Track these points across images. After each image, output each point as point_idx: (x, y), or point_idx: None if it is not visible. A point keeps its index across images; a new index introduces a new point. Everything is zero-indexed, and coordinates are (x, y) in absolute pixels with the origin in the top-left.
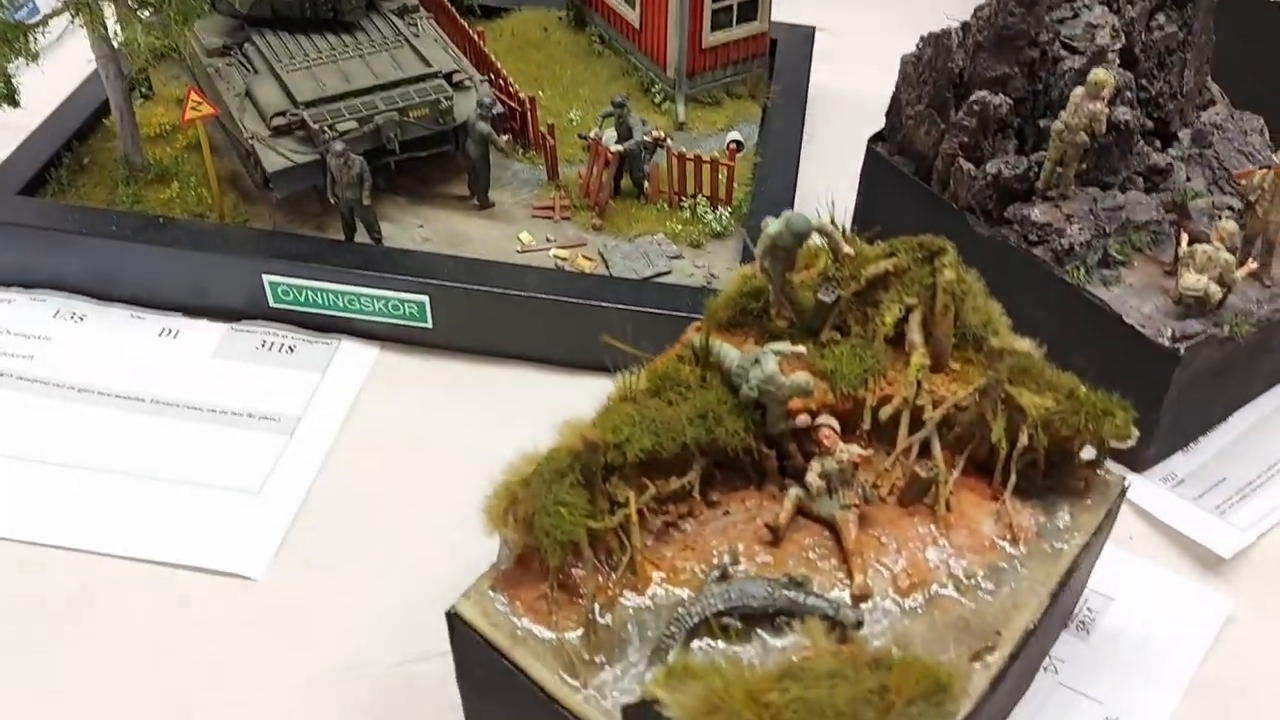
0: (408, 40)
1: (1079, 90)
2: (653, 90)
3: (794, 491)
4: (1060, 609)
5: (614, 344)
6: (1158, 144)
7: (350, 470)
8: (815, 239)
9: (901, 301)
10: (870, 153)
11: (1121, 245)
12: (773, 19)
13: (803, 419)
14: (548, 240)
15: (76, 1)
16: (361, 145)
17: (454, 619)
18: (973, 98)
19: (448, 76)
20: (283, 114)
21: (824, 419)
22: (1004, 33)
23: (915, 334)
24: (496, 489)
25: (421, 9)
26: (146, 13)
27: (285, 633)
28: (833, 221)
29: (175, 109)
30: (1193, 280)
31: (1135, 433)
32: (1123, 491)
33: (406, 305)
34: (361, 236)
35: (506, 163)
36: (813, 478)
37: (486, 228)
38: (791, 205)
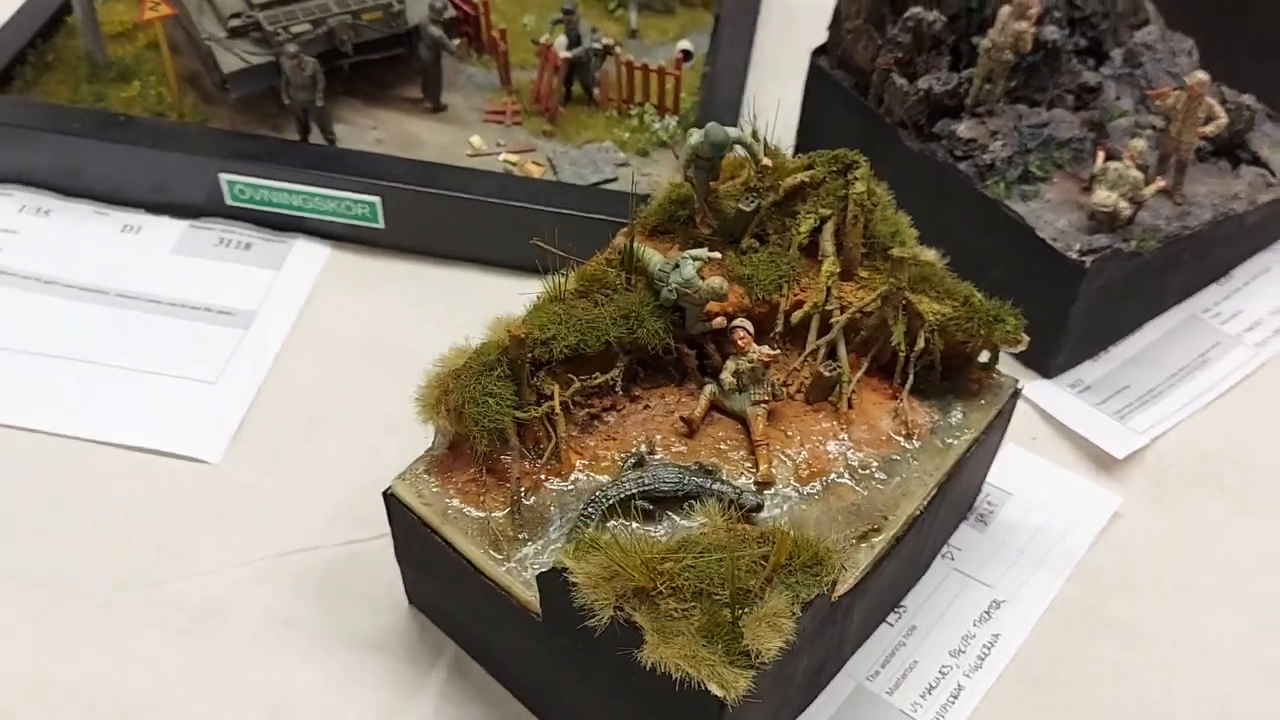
0: None
1: (1005, 9)
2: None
3: (709, 388)
4: (952, 499)
5: (543, 247)
6: (1090, 62)
7: (303, 363)
8: (739, 150)
9: (817, 212)
10: (813, 66)
11: (1042, 162)
12: None
13: (719, 321)
14: (498, 145)
15: None
16: (315, 47)
17: (390, 499)
18: (906, 14)
19: None
20: (238, 15)
21: (739, 321)
22: None
23: (828, 243)
24: (430, 380)
25: None
26: None
27: (240, 513)
28: (755, 134)
29: (137, 7)
30: (1103, 196)
31: (1025, 338)
32: (1015, 393)
33: (358, 206)
34: (316, 138)
35: (461, 66)
36: (726, 375)
37: (438, 131)
38: (737, 115)
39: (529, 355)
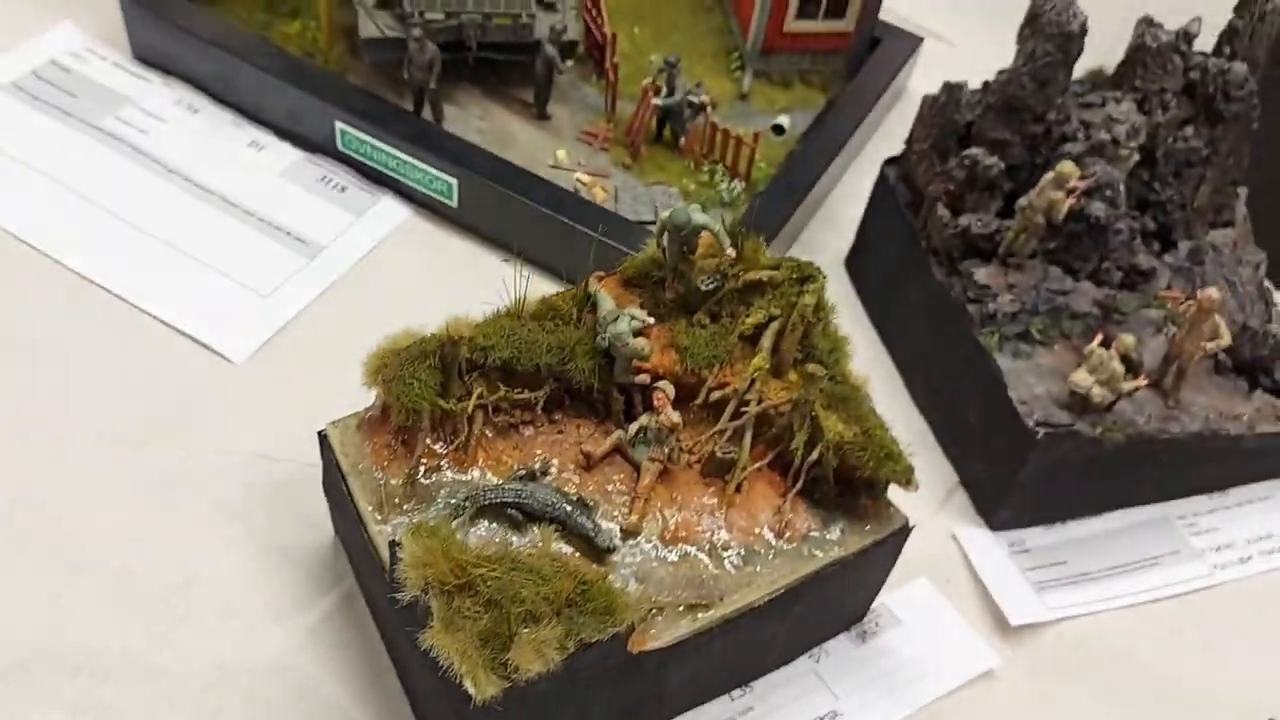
0: None
1: (1048, 175)
2: (732, 55)
3: (618, 433)
4: (815, 607)
5: (512, 264)
6: (1157, 246)
7: (346, 302)
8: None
9: (768, 309)
10: (882, 172)
11: (1046, 327)
12: (900, 18)
13: (643, 378)
14: (579, 163)
15: None
16: (444, 36)
17: (322, 438)
18: (965, 152)
19: None
20: None
21: (661, 384)
22: (1011, 101)
23: (767, 340)
24: (376, 350)
25: None
26: None
27: (239, 411)
28: (736, 225)
29: None
30: (1080, 377)
31: (914, 483)
32: (904, 529)
33: (439, 182)
34: (428, 114)
35: (579, 84)
36: (635, 426)
37: (535, 136)
38: (803, 198)
39: (465, 356)
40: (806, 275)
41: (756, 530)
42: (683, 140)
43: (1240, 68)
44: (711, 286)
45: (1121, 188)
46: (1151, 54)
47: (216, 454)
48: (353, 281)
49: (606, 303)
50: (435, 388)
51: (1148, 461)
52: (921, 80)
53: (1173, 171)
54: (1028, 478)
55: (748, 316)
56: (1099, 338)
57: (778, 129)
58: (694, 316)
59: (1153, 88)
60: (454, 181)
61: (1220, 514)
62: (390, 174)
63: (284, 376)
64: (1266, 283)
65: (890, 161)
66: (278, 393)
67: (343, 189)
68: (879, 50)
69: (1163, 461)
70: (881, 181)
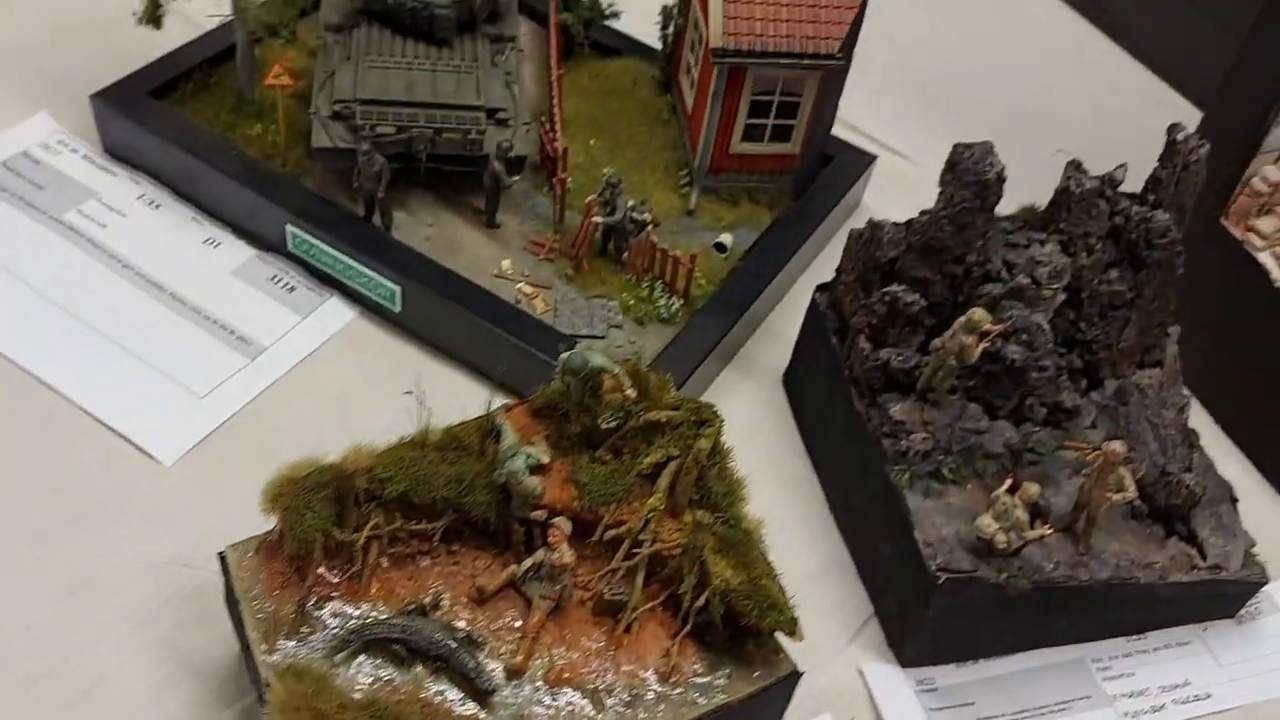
0: (481, 68)
1: (961, 319)
2: (682, 171)
3: (513, 568)
4: None
5: (413, 396)
6: (1084, 384)
7: (282, 406)
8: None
9: (666, 450)
10: (813, 298)
11: (958, 466)
12: (860, 133)
13: (539, 514)
14: (523, 274)
15: None
16: (395, 148)
17: (222, 558)
18: (886, 289)
19: (492, 112)
20: (343, 102)
21: (557, 520)
22: (931, 242)
23: (664, 480)
24: (275, 476)
25: (519, 40)
26: None
27: (164, 516)
28: (641, 365)
29: (303, 59)
30: (984, 523)
31: (800, 634)
32: (792, 676)
33: (383, 288)
34: (378, 220)
35: (532, 194)
36: (528, 563)
37: (482, 244)
38: (740, 316)
39: (363, 487)
40: (704, 419)
41: (642, 674)
42: (625, 255)
43: (1162, 217)
44: (612, 424)
45: (1046, 327)
46: (1075, 199)
47: (134, 559)
48: (292, 384)
49: (508, 436)
50: (330, 518)
51: (1057, 606)
52: (877, 196)
53: (1098, 312)
54: (933, 618)
55: (647, 456)
56: (1007, 483)
57: (719, 247)
58: (596, 453)
59: (1077, 231)
60: (397, 288)
61: (1137, 658)
62: (338, 276)
63: (212, 481)
64: (1191, 425)
65: (822, 288)
66: (204, 498)
67: (291, 289)
68: (830, 167)
69: (1073, 606)
70: (813, 306)
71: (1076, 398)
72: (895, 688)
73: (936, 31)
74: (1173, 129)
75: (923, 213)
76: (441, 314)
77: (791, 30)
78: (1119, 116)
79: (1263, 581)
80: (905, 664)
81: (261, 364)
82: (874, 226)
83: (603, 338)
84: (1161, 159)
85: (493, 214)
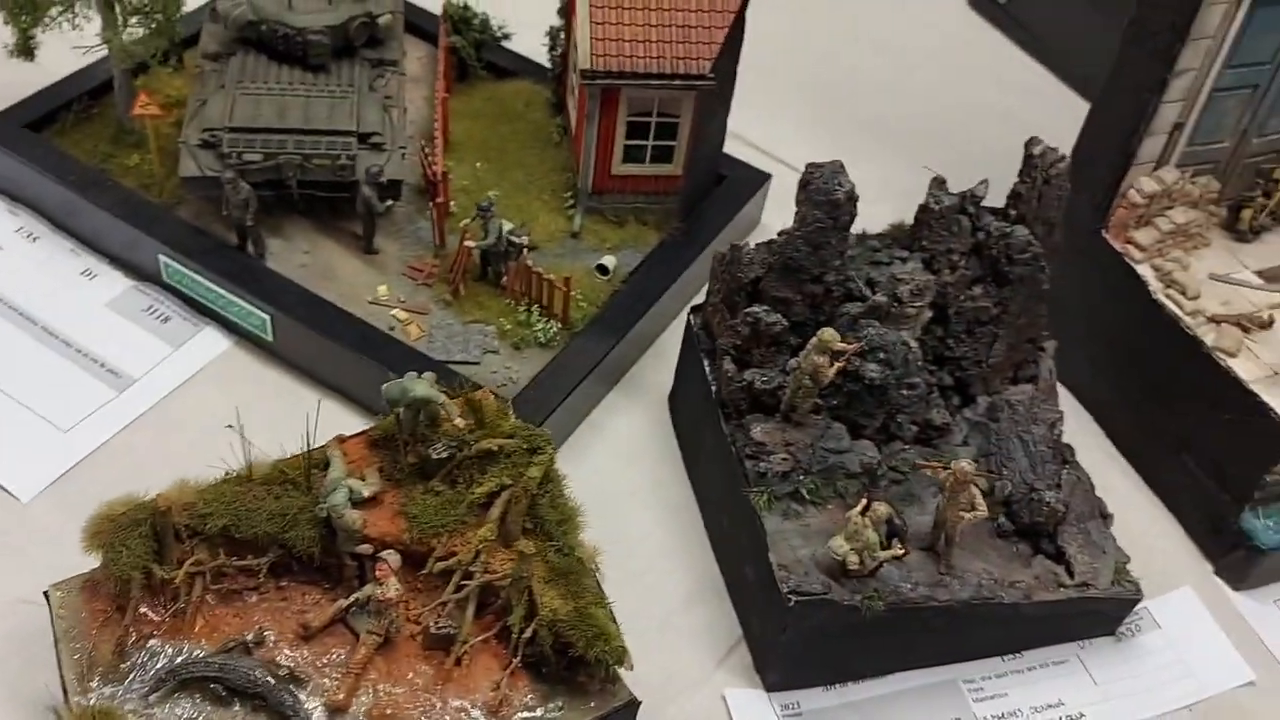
0: (357, 93)
1: (813, 340)
2: (568, 193)
3: (340, 602)
4: None
5: (235, 432)
6: (957, 400)
7: (147, 439)
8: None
9: (499, 479)
10: (688, 319)
11: (817, 487)
12: (759, 150)
13: (365, 549)
14: (399, 300)
15: (62, 2)
16: (263, 175)
17: (47, 595)
18: (746, 311)
19: (365, 137)
20: (211, 130)
21: (385, 554)
22: (789, 262)
23: (496, 510)
24: (96, 514)
25: (401, 65)
26: (133, 20)
27: (12, 551)
28: (477, 398)
29: (188, 87)
30: (836, 544)
31: (629, 663)
32: (630, 705)
33: (253, 317)
34: (252, 248)
35: (416, 219)
36: (353, 597)
37: (359, 270)
38: (621, 338)
39: (184, 523)
40: (536, 446)
41: (471, 709)
42: (504, 280)
43: (1021, 232)
44: (443, 455)
45: (911, 344)
46: (936, 216)
47: None
48: (159, 416)
49: (336, 469)
50: (148, 555)
51: (921, 627)
52: (780, 213)
53: (965, 329)
54: (789, 641)
55: (480, 485)
56: (862, 504)
57: (601, 269)
58: (429, 483)
59: (939, 248)
60: (267, 317)
61: (1011, 678)
62: (212, 306)
63: (71, 517)
64: (1063, 439)
65: (695, 309)
66: (59, 535)
67: (166, 319)
68: (723, 187)
69: (937, 627)
70: (688, 328)
71: (946, 415)
72: (758, 713)
73: (847, 46)
74: (1030, 143)
75: (780, 233)
76: (312, 342)
77: (661, 51)
78: (1032, 129)
79: (1135, 599)
80: (770, 688)
81: (130, 396)
82: (734, 248)
83: (477, 363)
84: (1021, 174)
85: (370, 240)
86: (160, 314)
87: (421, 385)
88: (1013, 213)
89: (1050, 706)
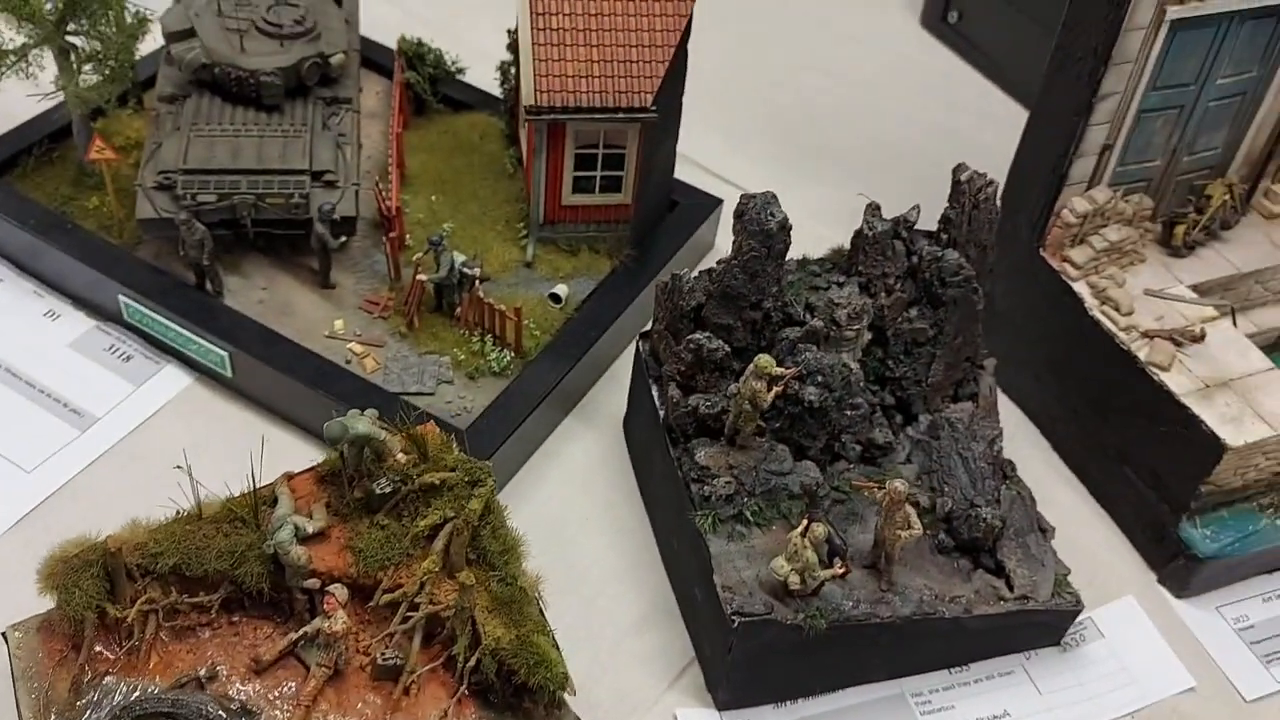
0: (311, 132)
1: (750, 366)
2: (522, 224)
3: (291, 636)
4: None
5: (184, 472)
6: (900, 419)
7: (111, 477)
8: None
9: (443, 511)
10: (637, 345)
11: (761, 509)
12: (713, 174)
13: (313, 583)
14: (355, 333)
15: (15, 52)
16: (218, 215)
17: (4, 635)
18: (689, 338)
19: (318, 174)
20: (166, 173)
21: (332, 587)
22: (728, 290)
23: (440, 542)
24: (50, 555)
25: (356, 102)
26: (88, 67)
27: None
28: (420, 432)
29: (147, 128)
30: (777, 564)
31: (572, 688)
32: None
33: (213, 354)
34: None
35: (372, 252)
36: (303, 630)
37: (315, 305)
38: (573, 366)
39: (136, 562)
40: (476, 479)
41: None
42: (458, 310)
43: (952, 256)
44: (387, 490)
45: (853, 365)
46: (870, 241)
47: None
48: (122, 454)
49: (283, 505)
50: (101, 594)
51: (864, 643)
52: (731, 238)
53: (904, 350)
54: (736, 660)
55: (423, 518)
56: (803, 525)
57: (554, 297)
58: (375, 518)
59: (875, 272)
60: (225, 354)
61: (958, 690)
62: (172, 344)
63: (34, 556)
64: (1005, 455)
65: (644, 335)
66: (21, 574)
67: (128, 358)
68: (675, 213)
69: (882, 642)
70: (637, 354)
71: (889, 434)
72: None
73: (802, 69)
74: (957, 170)
75: (719, 262)
76: (269, 378)
77: (604, 86)
78: (984, 148)
79: (1076, 610)
80: (720, 707)
81: (92, 435)
82: (675, 277)
83: (432, 393)
84: (950, 199)
85: (326, 275)
86: (122, 353)
87: (363, 423)
88: (944, 236)
89: (996, 717)
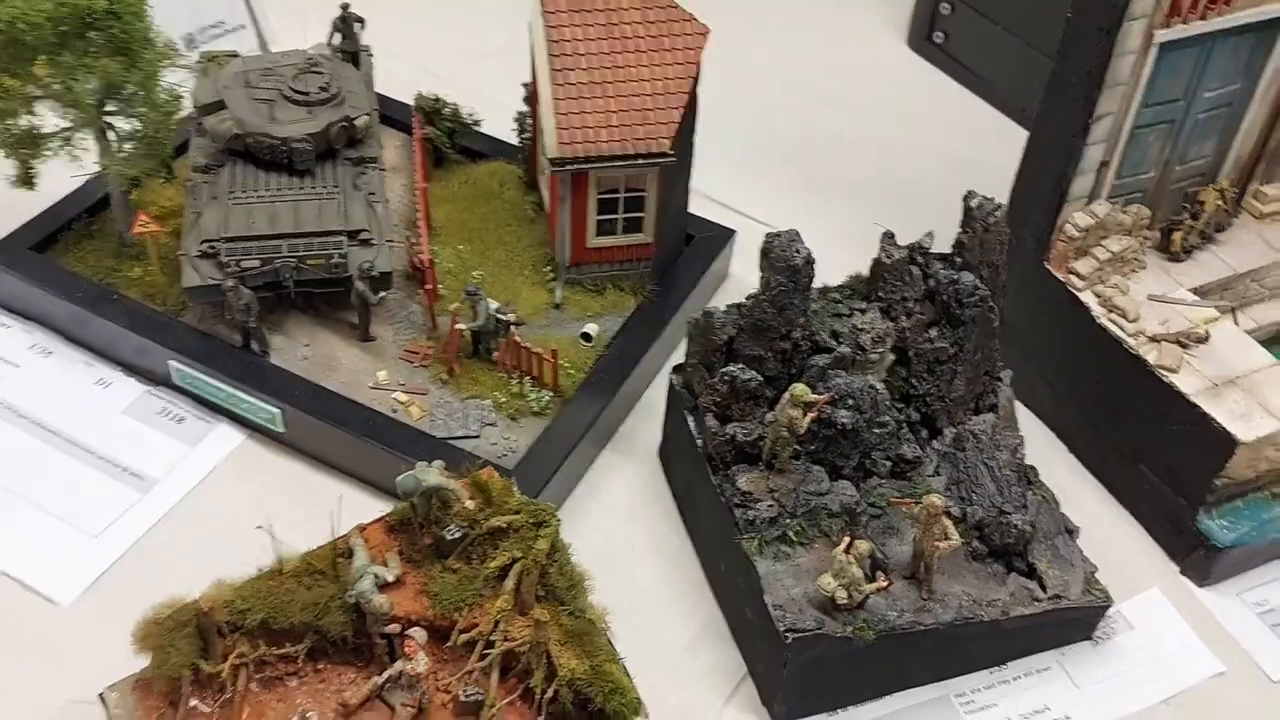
0: (343, 193)
1: (786, 395)
2: (548, 267)
3: (375, 680)
4: None
5: (266, 531)
6: (925, 434)
7: (175, 537)
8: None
9: (510, 552)
10: (670, 378)
11: (804, 528)
12: (734, 206)
13: (393, 628)
14: (399, 384)
15: (60, 135)
16: (262, 279)
17: (102, 697)
18: (723, 370)
19: (354, 233)
20: (209, 242)
21: (412, 631)
22: (758, 323)
23: (510, 581)
24: (143, 618)
25: (381, 160)
26: (128, 145)
27: (59, 656)
28: (483, 477)
29: (180, 196)
30: (824, 581)
31: (645, 713)
32: None
33: (264, 412)
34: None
35: (408, 304)
36: (386, 674)
37: (358, 358)
38: (609, 400)
39: (225, 619)
40: (541, 520)
41: None
42: (495, 355)
43: (967, 278)
44: (456, 535)
45: (879, 387)
46: (888, 268)
47: (36, 702)
48: (184, 514)
49: (360, 556)
50: (194, 652)
51: (910, 650)
52: (747, 265)
53: (926, 369)
54: (791, 674)
55: (492, 560)
56: (845, 542)
57: (585, 336)
58: (445, 562)
59: (894, 297)
60: (277, 411)
61: (998, 689)
62: (223, 404)
63: (110, 618)
64: (1026, 461)
65: (677, 369)
66: (102, 636)
67: (181, 420)
68: (691, 246)
69: (926, 648)
70: (671, 387)
71: (917, 449)
72: None
73: (799, 100)
74: (967, 197)
75: (748, 297)
76: (320, 431)
77: (624, 135)
78: (981, 166)
79: (1106, 605)
80: (777, 719)
81: (153, 498)
82: (706, 313)
83: (477, 436)
84: (962, 224)
85: (366, 329)
86: (174, 415)
87: (433, 474)
88: (958, 260)
89: (1037, 712)
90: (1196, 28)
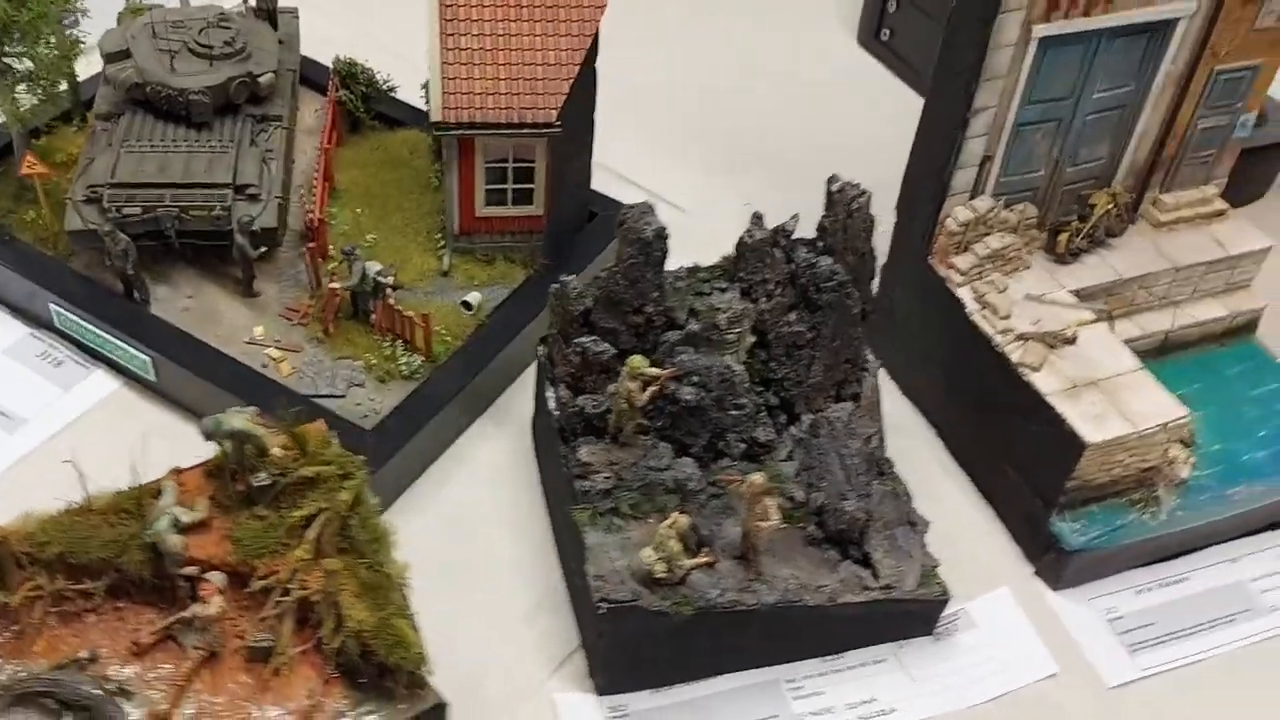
0: (237, 147)
1: (624, 367)
2: (441, 235)
3: (168, 620)
4: None
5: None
6: (784, 418)
7: (35, 476)
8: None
9: (317, 503)
10: (537, 349)
11: (638, 502)
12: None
13: (190, 570)
14: (275, 340)
15: None
16: (144, 227)
17: None
18: (575, 341)
19: (241, 188)
20: (94, 187)
21: (211, 575)
22: (611, 296)
23: (313, 531)
24: None
25: (284, 119)
26: (21, 87)
27: None
28: (291, 425)
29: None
30: (645, 554)
31: (429, 668)
32: (437, 708)
33: (138, 359)
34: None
35: (299, 261)
36: (181, 615)
37: (239, 312)
38: (481, 370)
39: (23, 550)
40: (348, 472)
41: (285, 716)
42: (373, 317)
43: (826, 262)
44: (265, 483)
45: (738, 368)
46: (749, 249)
47: None
48: (46, 455)
49: (167, 498)
50: None
51: (734, 630)
52: None
53: (784, 353)
54: (611, 647)
55: (299, 509)
56: (672, 517)
57: (466, 305)
58: (254, 509)
59: (755, 278)
60: (148, 359)
61: (830, 677)
62: (101, 350)
63: None
64: (889, 454)
65: (543, 340)
66: None
67: (59, 364)
68: (593, 224)
69: (752, 630)
70: (537, 357)
71: (772, 432)
72: (585, 715)
73: (737, 83)
74: (830, 181)
75: (602, 269)
76: (188, 381)
77: (510, 102)
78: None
79: (943, 599)
80: (600, 693)
81: (18, 437)
82: (562, 283)
83: (343, 396)
84: (826, 208)
85: (249, 284)
86: (54, 359)
87: (238, 419)
88: (821, 244)
89: (864, 703)
90: (1079, 24)
